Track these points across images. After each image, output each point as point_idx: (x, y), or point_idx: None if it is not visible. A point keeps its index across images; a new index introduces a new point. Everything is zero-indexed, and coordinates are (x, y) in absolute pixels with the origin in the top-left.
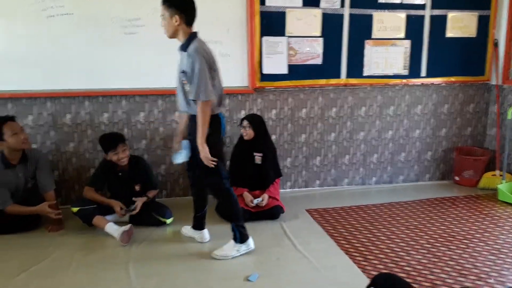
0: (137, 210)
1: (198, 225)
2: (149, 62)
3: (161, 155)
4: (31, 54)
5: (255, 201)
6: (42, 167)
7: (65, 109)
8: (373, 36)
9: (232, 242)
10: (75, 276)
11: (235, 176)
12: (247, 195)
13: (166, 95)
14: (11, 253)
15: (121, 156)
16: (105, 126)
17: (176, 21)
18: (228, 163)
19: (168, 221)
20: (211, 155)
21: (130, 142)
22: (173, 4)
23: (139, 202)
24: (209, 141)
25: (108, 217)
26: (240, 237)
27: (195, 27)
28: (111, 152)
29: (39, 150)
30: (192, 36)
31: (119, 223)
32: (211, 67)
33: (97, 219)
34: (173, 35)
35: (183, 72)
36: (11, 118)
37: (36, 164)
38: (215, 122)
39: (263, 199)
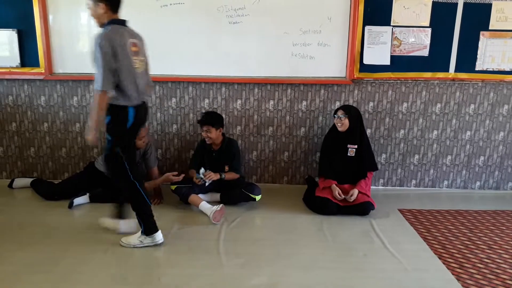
0: (206, 181)
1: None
2: (250, 51)
3: (254, 142)
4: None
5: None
6: (150, 148)
7: (171, 93)
8: (490, 27)
9: (139, 232)
10: (171, 247)
11: (324, 167)
12: (335, 188)
13: (263, 84)
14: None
15: (204, 135)
16: (205, 111)
17: (102, 9)
18: (318, 154)
19: (257, 197)
20: (116, 146)
21: (226, 127)
22: None
23: (212, 175)
24: (112, 131)
25: (202, 196)
26: (145, 229)
27: (294, 17)
28: (200, 128)
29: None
30: (110, 22)
31: (212, 202)
32: (116, 56)
33: (193, 197)
34: (100, 23)
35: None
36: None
37: (145, 147)
38: (120, 113)
39: (353, 195)
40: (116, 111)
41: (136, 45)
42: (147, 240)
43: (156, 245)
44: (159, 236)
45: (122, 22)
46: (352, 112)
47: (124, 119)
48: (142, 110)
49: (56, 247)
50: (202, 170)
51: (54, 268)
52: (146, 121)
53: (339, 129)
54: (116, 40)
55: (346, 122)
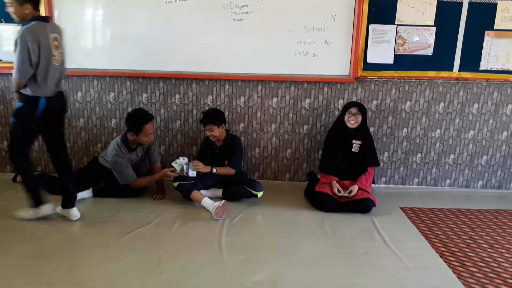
0: (190, 171)
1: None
2: (254, 48)
3: (257, 139)
4: (149, 38)
5: (341, 193)
6: (154, 144)
7: (175, 89)
8: (495, 27)
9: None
10: (173, 242)
11: (326, 163)
12: (335, 185)
13: (266, 81)
14: (122, 215)
15: (208, 134)
16: (208, 108)
17: (27, 9)
18: (320, 151)
19: (259, 194)
20: (20, 127)
21: (229, 124)
22: None
23: (201, 166)
24: (20, 114)
25: (204, 192)
26: (33, 202)
27: (299, 15)
28: (203, 128)
29: None
30: (32, 19)
31: (214, 198)
32: (38, 49)
33: (195, 193)
34: (22, 20)
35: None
36: (151, 119)
37: (148, 143)
38: (33, 102)
39: (352, 191)
40: (28, 100)
41: (57, 39)
42: (31, 212)
43: (45, 216)
44: (47, 207)
45: (44, 19)
46: (364, 109)
47: (34, 108)
48: (56, 100)
49: (59, 241)
50: (182, 160)
51: (57, 262)
52: (66, 111)
53: (352, 126)
54: (39, 35)
55: (360, 119)
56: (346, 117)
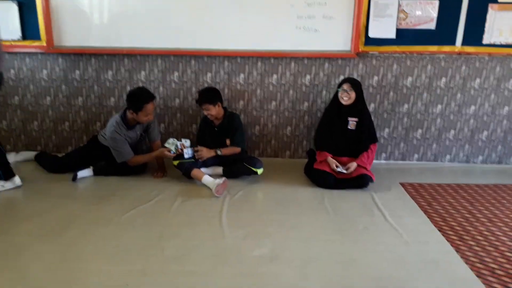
0: (188, 153)
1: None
2: (253, 24)
3: (257, 116)
4: (146, 14)
5: (339, 169)
6: (154, 122)
7: (174, 66)
8: (499, 0)
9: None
10: (174, 219)
11: (322, 140)
12: (332, 161)
13: (266, 57)
14: (122, 193)
15: (206, 114)
16: (208, 85)
17: None
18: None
19: (259, 171)
20: None
21: (229, 102)
22: None
23: (204, 152)
24: None
25: (204, 170)
26: (4, 175)
27: None
28: (200, 108)
29: None
30: None
31: (214, 176)
32: None
33: (195, 172)
34: None
35: None
36: (153, 99)
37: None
38: None
39: (349, 168)
40: None
41: None
42: (8, 184)
43: (17, 187)
44: (18, 179)
45: None
46: (358, 85)
47: None
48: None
49: (60, 219)
50: (172, 140)
51: (59, 239)
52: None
53: (345, 102)
54: None
55: (353, 95)
56: (339, 94)
